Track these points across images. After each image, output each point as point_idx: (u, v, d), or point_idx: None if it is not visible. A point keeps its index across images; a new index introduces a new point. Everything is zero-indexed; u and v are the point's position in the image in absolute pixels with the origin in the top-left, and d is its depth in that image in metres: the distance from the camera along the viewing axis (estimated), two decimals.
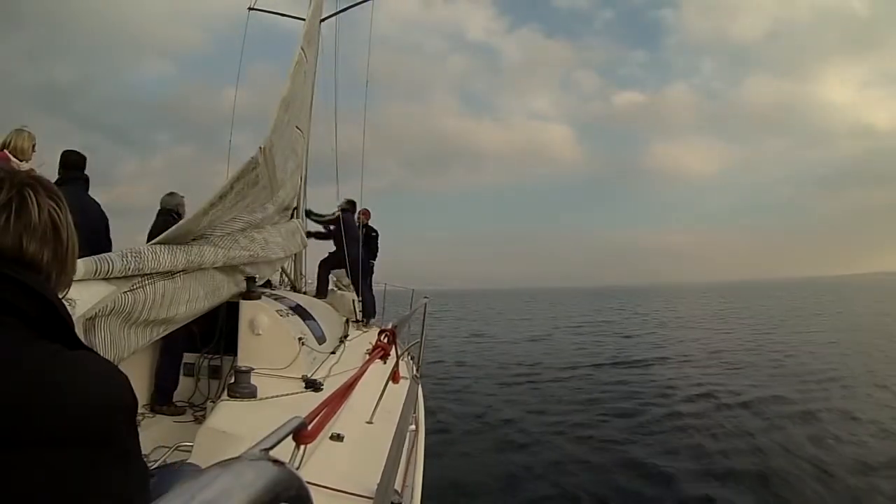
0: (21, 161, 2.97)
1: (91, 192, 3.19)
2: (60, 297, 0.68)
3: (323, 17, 5.33)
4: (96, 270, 1.73)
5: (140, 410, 2.77)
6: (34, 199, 0.65)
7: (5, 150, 2.96)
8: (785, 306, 31.14)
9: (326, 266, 5.91)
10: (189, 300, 2.31)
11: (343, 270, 5.65)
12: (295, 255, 4.94)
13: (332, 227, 5.85)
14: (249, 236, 2.94)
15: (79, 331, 1.60)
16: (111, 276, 1.80)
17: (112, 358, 1.82)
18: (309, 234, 5.66)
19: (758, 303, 36.42)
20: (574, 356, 12.38)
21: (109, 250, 3.02)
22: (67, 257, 0.70)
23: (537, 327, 21.81)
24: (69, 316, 0.66)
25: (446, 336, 17.55)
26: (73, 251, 0.71)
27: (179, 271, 2.23)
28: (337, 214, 5.82)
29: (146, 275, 2.01)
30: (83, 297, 1.63)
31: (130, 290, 1.92)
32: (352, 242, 5.74)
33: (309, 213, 5.74)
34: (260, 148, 2.63)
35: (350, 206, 6.15)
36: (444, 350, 13.58)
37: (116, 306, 1.83)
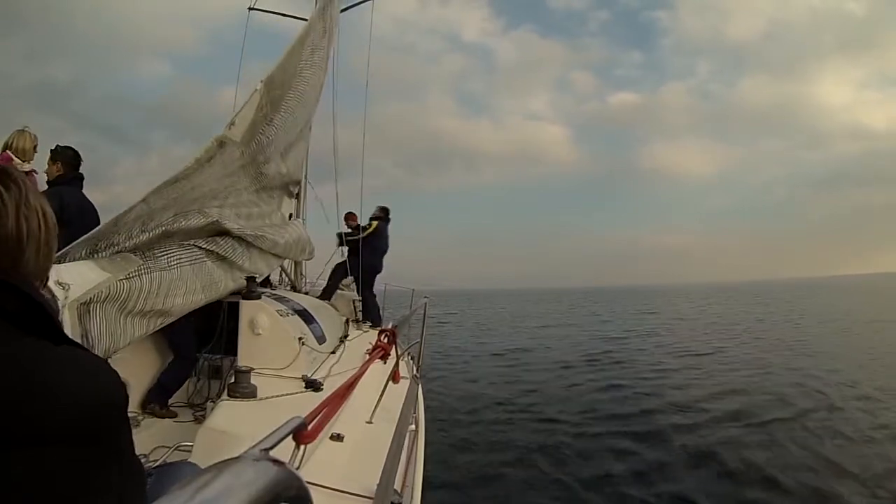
0: (23, 162, 2.97)
1: (88, 192, 3.18)
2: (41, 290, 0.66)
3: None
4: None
5: (136, 411, 2.77)
6: None
7: (7, 151, 2.95)
8: (831, 307, 27.74)
9: (341, 273, 5.62)
10: (186, 292, 2.32)
11: (352, 278, 5.57)
12: None
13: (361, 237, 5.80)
14: (247, 213, 2.97)
15: (73, 315, 1.61)
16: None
17: (107, 346, 1.83)
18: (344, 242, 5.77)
19: (799, 304, 32.16)
20: (686, 389, 8.30)
21: None
22: (19, 247, 0.63)
23: (576, 339, 16.41)
24: (54, 311, 0.64)
25: (479, 355, 12.68)
26: (21, 241, 0.63)
27: (174, 264, 2.28)
28: (375, 225, 5.87)
29: (143, 265, 2.06)
30: (77, 281, 1.63)
31: (126, 278, 1.94)
32: (376, 252, 5.79)
33: (342, 238, 5.81)
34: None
35: (383, 213, 6.14)
36: (493, 383, 9.20)
37: (112, 293, 1.84)
